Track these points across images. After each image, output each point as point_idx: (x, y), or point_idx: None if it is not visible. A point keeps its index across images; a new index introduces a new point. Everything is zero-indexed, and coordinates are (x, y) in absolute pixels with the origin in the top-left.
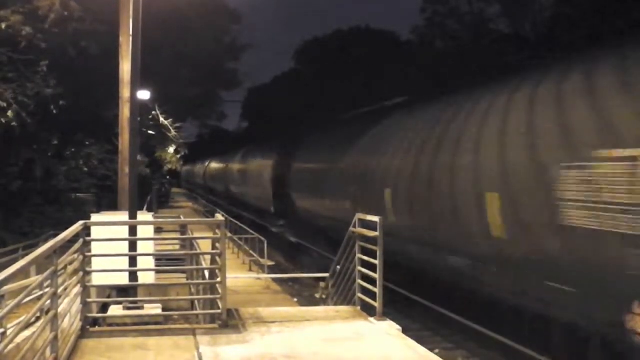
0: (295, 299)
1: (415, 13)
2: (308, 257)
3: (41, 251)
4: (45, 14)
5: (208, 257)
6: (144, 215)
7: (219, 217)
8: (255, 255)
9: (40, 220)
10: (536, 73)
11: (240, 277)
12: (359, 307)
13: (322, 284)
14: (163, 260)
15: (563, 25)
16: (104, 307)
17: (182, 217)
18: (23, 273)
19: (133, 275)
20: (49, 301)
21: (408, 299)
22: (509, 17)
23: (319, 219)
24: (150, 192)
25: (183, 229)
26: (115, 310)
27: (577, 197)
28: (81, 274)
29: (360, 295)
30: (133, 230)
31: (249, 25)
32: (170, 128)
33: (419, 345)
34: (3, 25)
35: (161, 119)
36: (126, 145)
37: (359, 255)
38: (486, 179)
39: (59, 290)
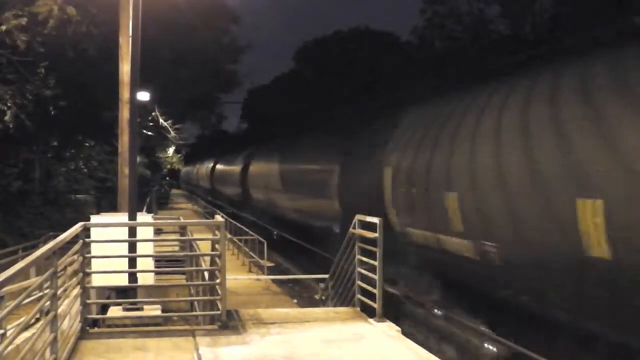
0: (295, 300)
1: (415, 14)
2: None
3: (41, 252)
4: (45, 19)
5: (207, 258)
6: (143, 217)
7: (219, 218)
8: (254, 256)
9: (40, 221)
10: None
11: (240, 278)
12: (358, 308)
13: (321, 285)
14: (162, 262)
15: (563, 26)
16: (104, 308)
17: (181, 218)
18: (23, 274)
19: (132, 277)
20: (48, 302)
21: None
22: (509, 17)
23: None
24: (150, 193)
25: (182, 230)
26: (114, 312)
27: None
28: (81, 275)
29: (359, 296)
30: (132, 232)
31: (249, 25)
32: (170, 129)
33: (418, 347)
34: (3, 28)
35: (161, 120)
36: (126, 147)
37: (358, 257)
38: None
39: (59, 292)
